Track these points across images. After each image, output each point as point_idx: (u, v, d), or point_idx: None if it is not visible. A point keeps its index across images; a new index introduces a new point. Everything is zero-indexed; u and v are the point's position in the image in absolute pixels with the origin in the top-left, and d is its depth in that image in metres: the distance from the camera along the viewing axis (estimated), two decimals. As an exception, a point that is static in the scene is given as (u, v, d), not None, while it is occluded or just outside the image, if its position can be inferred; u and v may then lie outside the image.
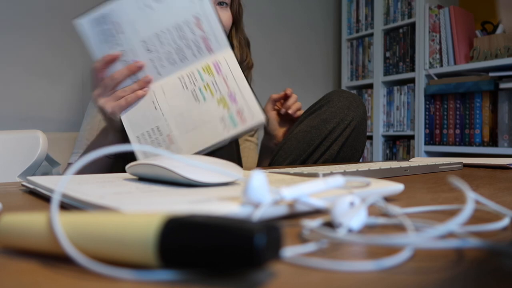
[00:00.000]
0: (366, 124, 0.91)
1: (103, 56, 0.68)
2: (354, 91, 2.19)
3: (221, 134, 0.72)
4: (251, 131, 0.96)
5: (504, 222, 0.25)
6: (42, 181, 0.37)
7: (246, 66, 1.01)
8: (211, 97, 0.72)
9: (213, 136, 0.72)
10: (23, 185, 0.41)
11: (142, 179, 0.41)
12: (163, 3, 0.69)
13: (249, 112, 0.72)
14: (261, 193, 0.24)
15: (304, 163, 0.86)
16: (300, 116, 0.94)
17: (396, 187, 0.35)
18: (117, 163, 0.81)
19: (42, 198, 0.37)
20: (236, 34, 0.99)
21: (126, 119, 0.71)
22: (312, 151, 0.86)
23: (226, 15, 0.93)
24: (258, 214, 0.23)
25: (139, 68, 0.70)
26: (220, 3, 0.92)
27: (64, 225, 0.18)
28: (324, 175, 0.48)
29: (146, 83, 0.70)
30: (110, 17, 0.68)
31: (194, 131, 0.72)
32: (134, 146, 0.23)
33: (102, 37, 0.69)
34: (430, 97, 1.87)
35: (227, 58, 0.74)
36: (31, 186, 0.39)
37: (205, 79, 0.73)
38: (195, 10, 0.70)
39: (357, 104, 0.88)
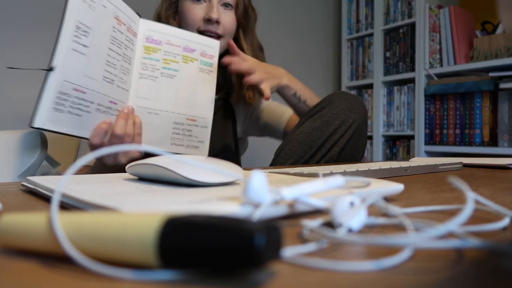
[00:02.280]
0: (367, 126, 0.92)
1: (94, 130, 0.63)
2: (354, 91, 2.19)
3: (211, 78, 0.78)
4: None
5: (504, 222, 0.25)
6: (42, 181, 0.37)
7: None
8: (178, 64, 0.74)
9: (210, 85, 0.78)
10: (23, 185, 0.41)
11: (142, 179, 0.41)
12: (90, 34, 0.59)
13: (206, 47, 0.78)
14: (261, 193, 0.24)
15: (305, 164, 0.86)
16: (302, 118, 0.94)
17: (396, 187, 0.35)
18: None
19: (42, 198, 0.37)
20: (245, 38, 0.99)
21: (146, 141, 0.70)
22: (314, 152, 0.86)
23: (230, 17, 0.94)
24: (258, 214, 0.23)
25: (131, 110, 0.68)
26: (225, 5, 0.93)
27: (64, 225, 0.18)
28: (324, 175, 0.48)
29: (131, 111, 0.69)
30: (64, 89, 0.57)
31: (195, 94, 0.76)
32: (139, 146, 0.23)
33: (75, 113, 0.59)
34: (430, 97, 1.87)
35: (149, 26, 0.72)
36: (31, 186, 0.39)
37: (156, 57, 0.72)
38: (111, 11, 0.64)
39: (358, 106, 0.88)
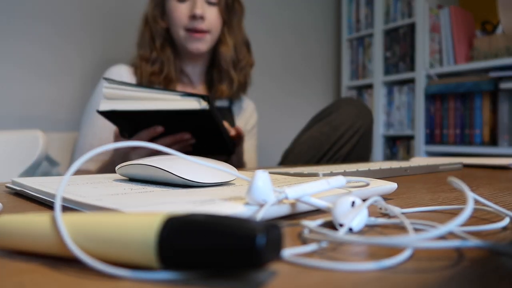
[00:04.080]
0: (372, 133, 0.92)
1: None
2: (354, 91, 2.19)
3: None
4: None
5: (504, 222, 0.25)
6: (30, 183, 0.36)
7: (244, 65, 1.02)
8: None
9: None
10: (7, 187, 0.40)
11: (132, 179, 0.40)
12: None
13: None
14: (266, 192, 0.24)
15: None
16: (309, 122, 0.95)
17: (389, 186, 0.36)
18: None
19: (29, 199, 0.36)
20: (229, 32, 1.00)
21: None
22: (322, 156, 0.87)
23: (214, 12, 0.95)
24: (262, 214, 0.23)
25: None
26: (208, 1, 0.94)
27: (65, 226, 0.18)
28: (324, 175, 0.48)
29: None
30: None
31: None
32: (136, 142, 0.23)
33: None
34: (430, 97, 1.87)
35: None
36: (18, 188, 0.38)
37: None
38: None
39: (366, 113, 0.89)
